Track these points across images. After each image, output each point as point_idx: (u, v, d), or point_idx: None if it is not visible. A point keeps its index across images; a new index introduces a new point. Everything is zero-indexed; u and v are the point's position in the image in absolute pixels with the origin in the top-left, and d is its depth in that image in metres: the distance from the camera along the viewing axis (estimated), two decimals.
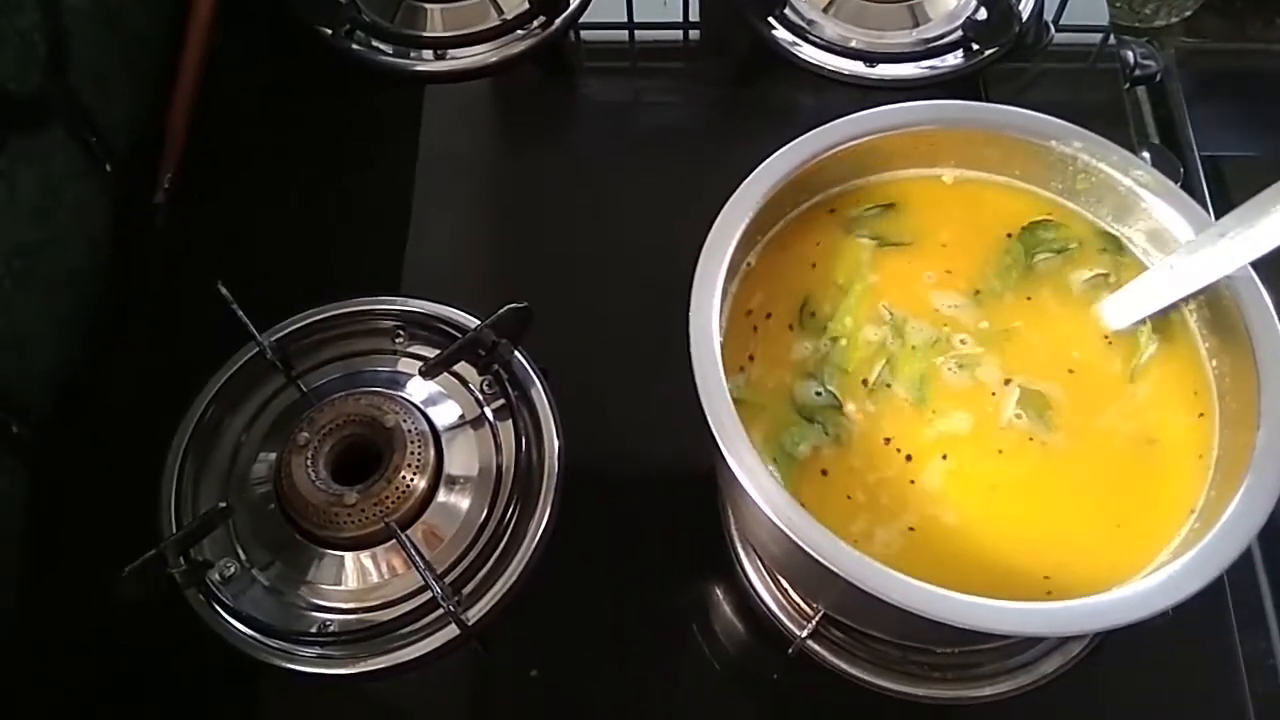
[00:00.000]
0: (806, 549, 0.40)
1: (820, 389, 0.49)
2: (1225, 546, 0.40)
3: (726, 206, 0.47)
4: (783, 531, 0.40)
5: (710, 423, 0.42)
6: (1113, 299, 0.49)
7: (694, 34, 0.81)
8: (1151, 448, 0.46)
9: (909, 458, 0.47)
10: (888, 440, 0.47)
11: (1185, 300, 0.48)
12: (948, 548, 0.44)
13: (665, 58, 0.82)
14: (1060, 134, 0.50)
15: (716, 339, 0.44)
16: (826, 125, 0.50)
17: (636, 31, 0.80)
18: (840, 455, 0.47)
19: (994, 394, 0.48)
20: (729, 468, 0.41)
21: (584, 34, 0.80)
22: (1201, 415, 0.46)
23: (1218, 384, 0.47)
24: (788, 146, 0.49)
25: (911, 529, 0.45)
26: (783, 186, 0.49)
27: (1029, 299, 0.50)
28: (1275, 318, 0.44)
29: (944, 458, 0.47)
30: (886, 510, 0.46)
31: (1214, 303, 0.47)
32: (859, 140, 0.50)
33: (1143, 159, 0.72)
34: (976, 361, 0.49)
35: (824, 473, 0.47)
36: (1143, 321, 0.48)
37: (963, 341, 0.49)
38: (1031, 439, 0.47)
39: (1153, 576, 0.40)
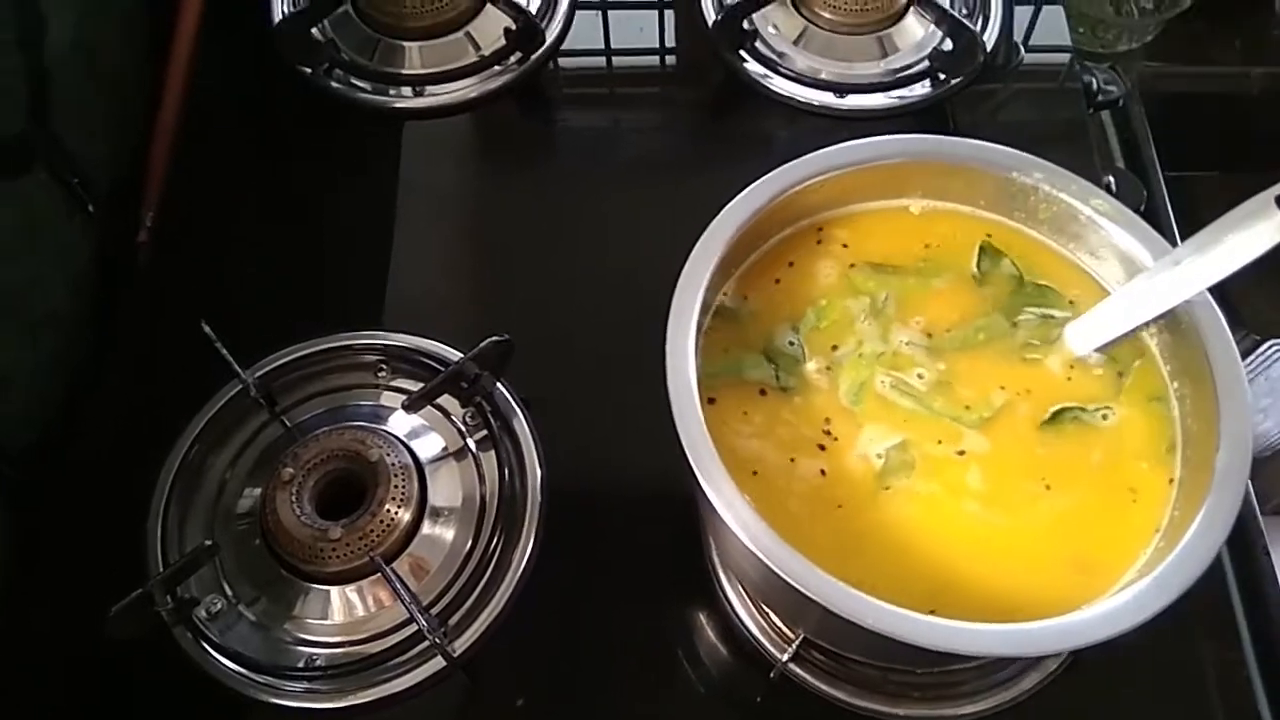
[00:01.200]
0: (784, 577, 0.41)
1: (794, 339, 0.51)
2: (1189, 565, 0.41)
3: (698, 244, 0.49)
4: (761, 560, 0.41)
5: (688, 455, 0.43)
6: (1075, 325, 0.50)
7: (670, 59, 0.83)
8: (1118, 477, 0.47)
9: (836, 438, 0.49)
10: (827, 420, 0.49)
11: (1146, 325, 0.49)
12: (887, 554, 0.46)
13: (642, 83, 0.83)
14: (1020, 165, 0.51)
15: (692, 372, 0.45)
16: (794, 161, 0.51)
17: (614, 58, 0.82)
18: (782, 401, 0.50)
19: (939, 442, 0.49)
20: (707, 499, 0.42)
21: (562, 60, 0.81)
22: (1167, 443, 0.48)
23: (1179, 406, 0.48)
24: (756, 184, 0.50)
25: (840, 506, 0.47)
26: (753, 222, 0.50)
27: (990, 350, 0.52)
28: (1232, 341, 0.46)
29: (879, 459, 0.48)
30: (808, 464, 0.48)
31: (1174, 327, 0.48)
32: (827, 175, 0.51)
33: (1107, 183, 0.75)
34: (925, 398, 0.50)
35: (762, 392, 0.50)
36: (1105, 347, 0.50)
37: (920, 376, 0.50)
38: (982, 476, 0.48)
39: (1120, 595, 0.41)
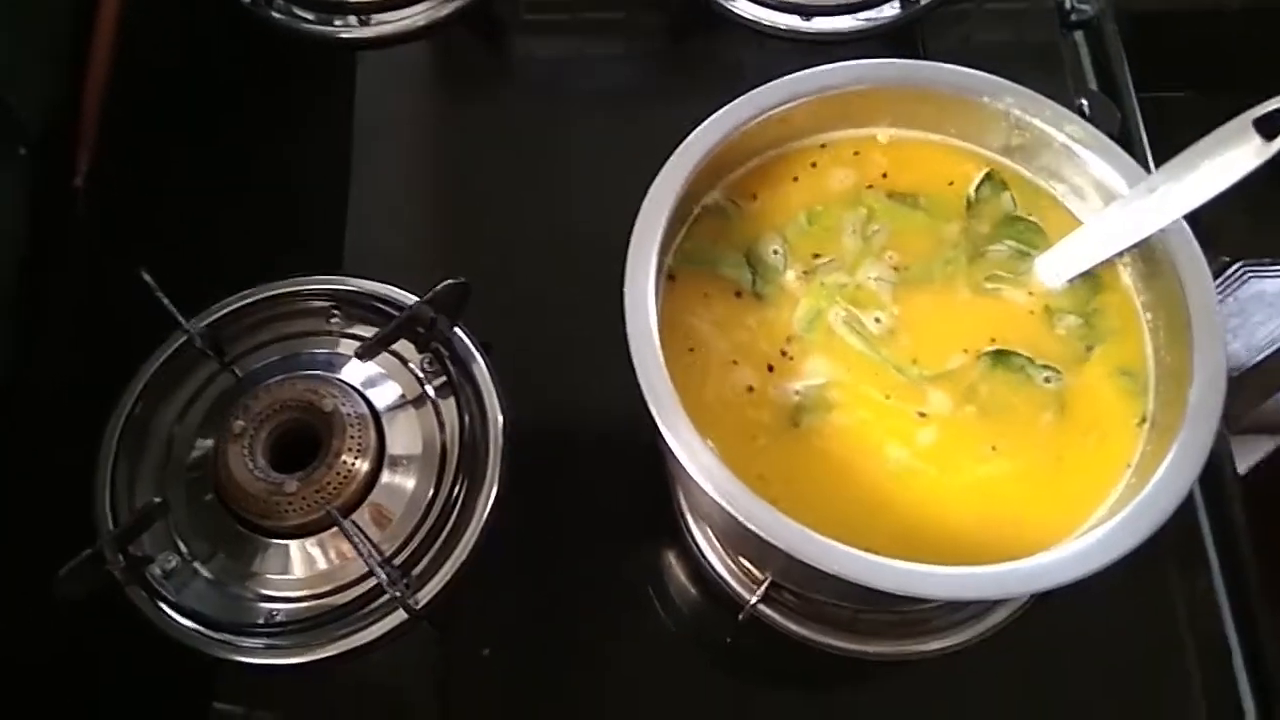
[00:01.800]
0: (748, 524, 0.40)
1: (779, 248, 0.50)
2: (1159, 504, 0.40)
3: (659, 177, 0.46)
4: (727, 511, 0.40)
5: (649, 403, 0.42)
6: (1047, 256, 0.49)
7: None
8: (1088, 412, 0.46)
9: (790, 357, 0.48)
10: (788, 341, 0.48)
11: (1120, 255, 0.48)
12: (844, 491, 0.45)
13: (602, 6, 0.79)
14: (991, 90, 0.49)
15: (653, 315, 0.43)
16: (756, 90, 0.49)
17: None
18: (752, 308, 0.49)
19: (884, 393, 0.48)
20: (669, 448, 0.41)
21: None
22: (1137, 417, 0.46)
23: (1153, 339, 0.47)
24: (715, 116, 0.48)
25: (797, 425, 0.46)
26: (716, 152, 0.48)
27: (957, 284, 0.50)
28: (1208, 272, 0.45)
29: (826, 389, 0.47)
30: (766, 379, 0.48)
31: (1148, 257, 0.47)
32: (791, 104, 0.49)
33: (1080, 106, 0.73)
34: (875, 341, 0.49)
35: (737, 294, 0.49)
36: (1078, 278, 0.48)
37: (877, 320, 0.49)
38: (954, 413, 0.47)
39: (1089, 535, 0.40)
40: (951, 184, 0.52)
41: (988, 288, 0.49)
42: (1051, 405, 0.46)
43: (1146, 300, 0.48)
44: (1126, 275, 0.49)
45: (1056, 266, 0.49)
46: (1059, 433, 0.46)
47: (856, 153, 0.52)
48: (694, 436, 0.41)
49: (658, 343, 0.43)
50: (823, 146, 0.52)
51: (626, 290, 0.44)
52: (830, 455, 0.46)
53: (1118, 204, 0.47)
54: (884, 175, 0.52)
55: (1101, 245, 0.47)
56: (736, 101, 0.48)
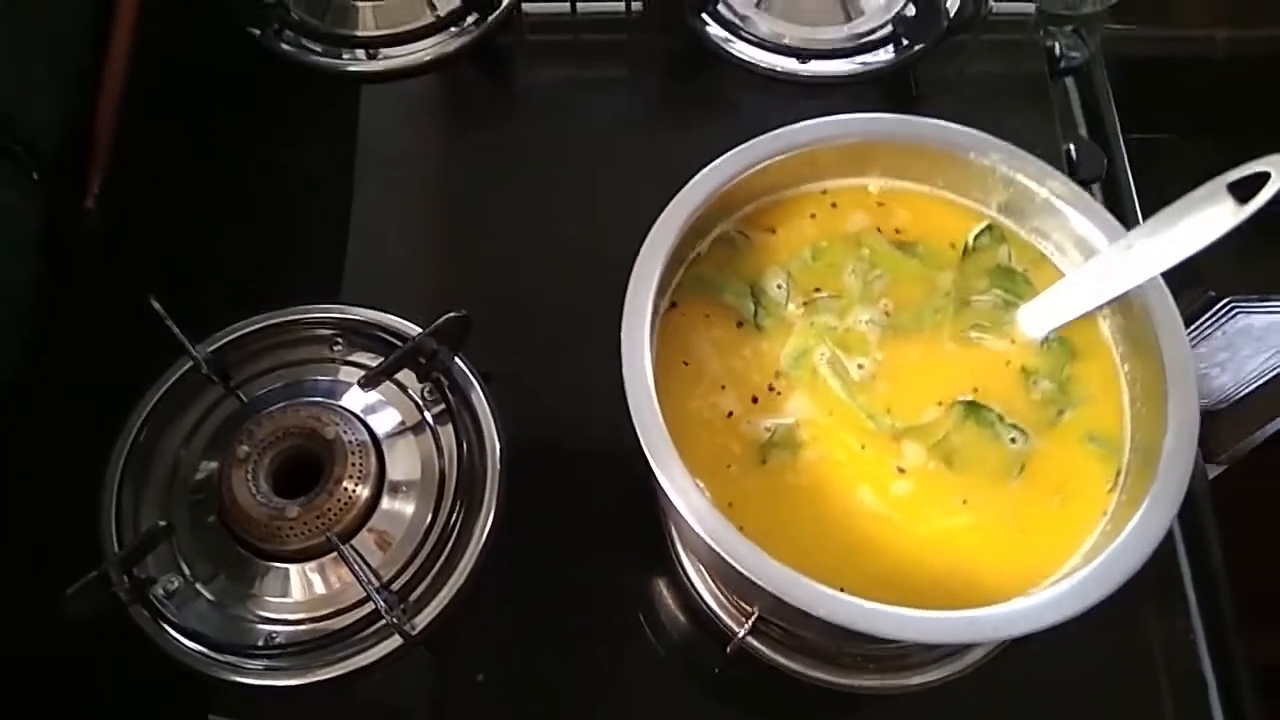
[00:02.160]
0: (736, 566, 0.41)
1: (783, 283, 0.52)
2: (1131, 554, 0.42)
3: (651, 232, 0.48)
4: (716, 551, 0.41)
5: (644, 444, 0.43)
6: (1029, 307, 0.51)
7: (636, 4, 0.80)
8: (1054, 476, 0.48)
9: (777, 392, 0.50)
10: (776, 375, 0.50)
11: (1099, 309, 0.49)
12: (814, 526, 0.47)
13: (605, 51, 0.81)
14: (978, 146, 0.51)
15: (648, 359, 0.45)
16: (750, 143, 0.51)
17: (579, 4, 0.80)
18: (749, 337, 0.51)
19: (860, 443, 0.49)
20: (663, 490, 0.43)
21: (525, 6, 0.79)
22: (1110, 439, 0.48)
23: (1130, 390, 0.49)
24: (710, 167, 0.50)
25: (764, 462, 0.48)
26: (708, 206, 0.50)
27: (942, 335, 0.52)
28: (1182, 327, 0.46)
29: (800, 430, 0.49)
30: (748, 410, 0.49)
31: (1126, 311, 0.49)
32: (785, 155, 0.51)
33: (1067, 151, 0.75)
34: (853, 387, 0.50)
35: (739, 324, 0.51)
36: (1058, 329, 0.50)
37: (860, 366, 0.51)
38: (928, 465, 0.49)
39: (1063, 583, 0.42)
40: (949, 239, 0.54)
41: (972, 336, 0.51)
42: (1014, 466, 0.48)
43: (1124, 352, 0.50)
44: (1106, 328, 0.50)
45: (1039, 318, 0.50)
46: (1023, 493, 0.48)
47: (859, 199, 0.54)
48: (687, 480, 0.43)
49: (650, 378, 0.44)
50: (824, 192, 0.54)
51: (624, 337, 0.45)
52: (801, 493, 0.47)
53: (1097, 260, 0.49)
54: (884, 221, 0.54)
55: (1081, 299, 0.49)
56: (723, 159, 0.50)
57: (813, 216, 0.54)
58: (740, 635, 0.57)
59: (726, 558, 0.41)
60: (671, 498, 0.42)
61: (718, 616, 0.58)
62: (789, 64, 0.76)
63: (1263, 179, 0.42)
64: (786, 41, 0.76)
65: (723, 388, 0.50)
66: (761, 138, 0.51)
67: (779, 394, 0.50)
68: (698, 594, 0.59)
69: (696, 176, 0.50)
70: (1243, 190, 0.43)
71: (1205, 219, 0.44)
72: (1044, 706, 0.59)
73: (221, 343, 0.64)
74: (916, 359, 0.50)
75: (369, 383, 0.62)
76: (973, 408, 0.49)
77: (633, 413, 0.44)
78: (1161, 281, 0.47)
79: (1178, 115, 0.97)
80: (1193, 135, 0.97)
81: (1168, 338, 0.46)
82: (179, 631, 0.57)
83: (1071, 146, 0.75)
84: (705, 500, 0.42)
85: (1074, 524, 0.46)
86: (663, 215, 0.48)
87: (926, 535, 0.46)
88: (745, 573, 0.41)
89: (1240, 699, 0.60)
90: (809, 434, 0.49)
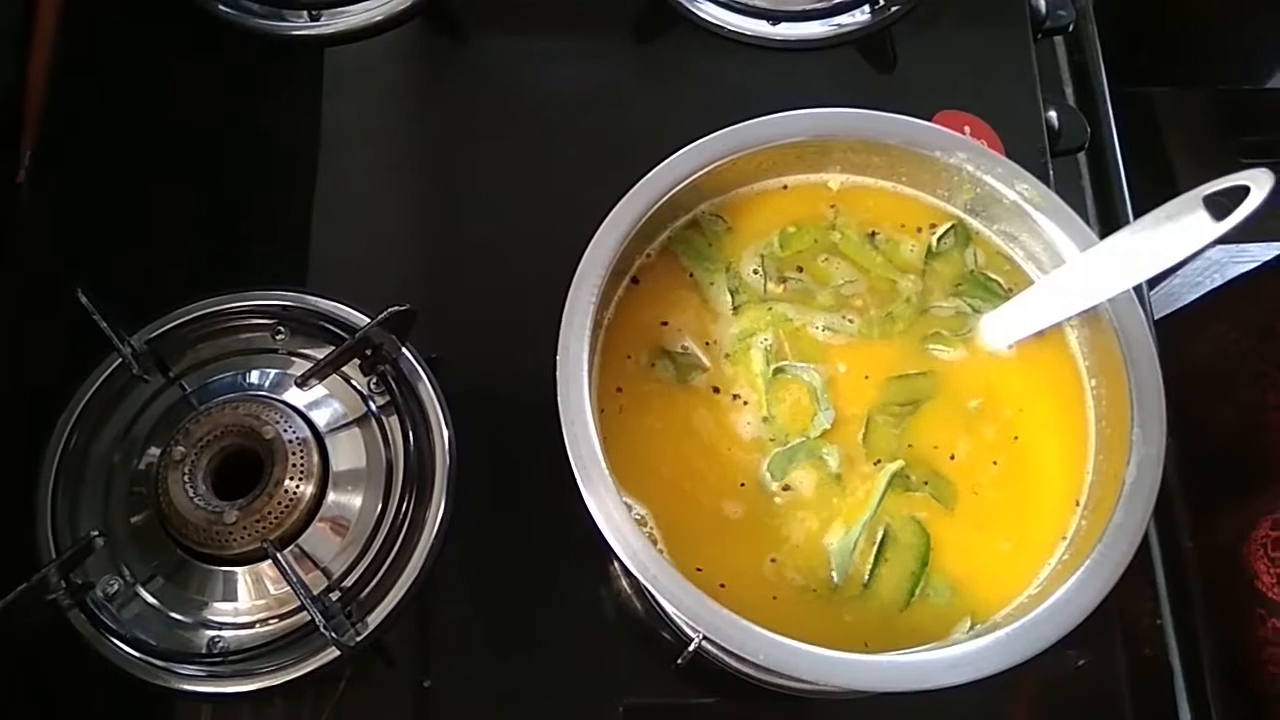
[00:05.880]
0: (669, 608, 0.40)
1: (759, 266, 0.51)
2: (1087, 592, 0.40)
3: (596, 236, 0.45)
4: (652, 593, 0.40)
5: (578, 476, 0.41)
6: (992, 317, 0.48)
7: None
8: (1026, 473, 0.46)
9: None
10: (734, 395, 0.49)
11: (1066, 320, 0.47)
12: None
13: (562, 6, 0.77)
14: (945, 144, 0.48)
15: (586, 390, 0.42)
16: (705, 139, 0.48)
17: None
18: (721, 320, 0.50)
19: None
20: (600, 526, 0.41)
21: None
22: (1078, 440, 0.46)
23: (1095, 407, 0.47)
24: (662, 165, 0.47)
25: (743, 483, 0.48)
26: (660, 206, 0.47)
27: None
28: (1153, 347, 0.44)
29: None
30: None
31: (1094, 323, 0.46)
32: (739, 154, 0.48)
33: (1049, 119, 0.71)
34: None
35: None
36: (1021, 342, 0.48)
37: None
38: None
39: (1016, 625, 0.40)
40: (917, 227, 0.51)
41: (930, 350, 0.48)
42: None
43: (1091, 365, 0.47)
44: (1073, 339, 0.48)
45: (1002, 328, 0.48)
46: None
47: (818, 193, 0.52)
48: (625, 519, 0.41)
49: (590, 415, 0.42)
50: (785, 188, 0.51)
51: (559, 366, 0.43)
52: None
53: (1066, 269, 0.46)
54: (838, 213, 0.51)
55: (1047, 311, 0.46)
56: (673, 158, 0.48)
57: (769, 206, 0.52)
58: (696, 642, 0.55)
59: (661, 600, 0.39)
60: (607, 537, 0.40)
61: (673, 621, 0.57)
62: (759, 26, 0.71)
63: (1242, 193, 0.40)
64: (756, 2, 0.71)
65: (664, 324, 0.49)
66: (710, 137, 0.47)
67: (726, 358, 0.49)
68: (652, 596, 0.58)
69: (642, 180, 0.47)
70: (1218, 207, 0.40)
71: (1181, 232, 0.41)
72: (1007, 693, 0.57)
73: (158, 332, 0.61)
74: (862, 371, 0.48)
75: (310, 377, 0.59)
76: (900, 478, 0.47)
77: (568, 446, 0.42)
78: (1133, 295, 0.45)
79: (1171, 67, 0.93)
80: (1186, 88, 0.93)
81: (1138, 356, 0.44)
82: (119, 638, 0.56)
83: (1054, 114, 0.71)
84: (645, 542, 0.41)
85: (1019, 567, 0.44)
86: (600, 229, 0.46)
87: None
88: (681, 616, 0.39)
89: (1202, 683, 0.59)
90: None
